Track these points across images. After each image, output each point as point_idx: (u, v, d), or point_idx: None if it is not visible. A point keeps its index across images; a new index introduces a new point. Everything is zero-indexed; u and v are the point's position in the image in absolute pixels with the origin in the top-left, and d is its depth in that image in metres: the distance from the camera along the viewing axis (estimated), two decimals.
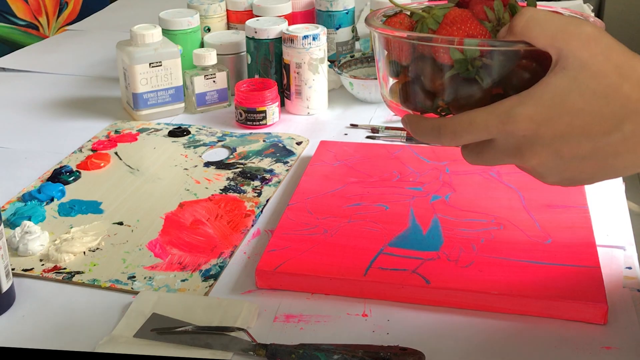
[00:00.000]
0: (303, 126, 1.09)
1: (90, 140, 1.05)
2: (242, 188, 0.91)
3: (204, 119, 1.12)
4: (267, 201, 0.88)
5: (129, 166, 0.98)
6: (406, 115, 0.59)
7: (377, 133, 1.05)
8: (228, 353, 0.64)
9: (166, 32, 1.15)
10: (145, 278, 0.74)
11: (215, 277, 0.74)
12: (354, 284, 0.70)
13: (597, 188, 0.87)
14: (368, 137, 1.04)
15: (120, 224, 0.84)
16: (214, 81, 1.12)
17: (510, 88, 0.55)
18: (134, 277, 0.74)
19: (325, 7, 1.28)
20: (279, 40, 1.11)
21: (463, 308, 0.68)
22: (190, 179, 0.94)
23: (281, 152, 1.00)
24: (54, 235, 0.82)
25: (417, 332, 0.66)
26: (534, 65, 0.55)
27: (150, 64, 1.08)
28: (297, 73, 1.09)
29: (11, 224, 0.84)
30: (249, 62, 1.14)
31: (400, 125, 1.07)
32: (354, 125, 1.08)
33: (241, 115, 1.07)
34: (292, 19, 1.22)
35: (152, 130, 1.08)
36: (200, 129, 1.08)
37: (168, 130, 1.07)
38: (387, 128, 1.05)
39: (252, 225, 0.83)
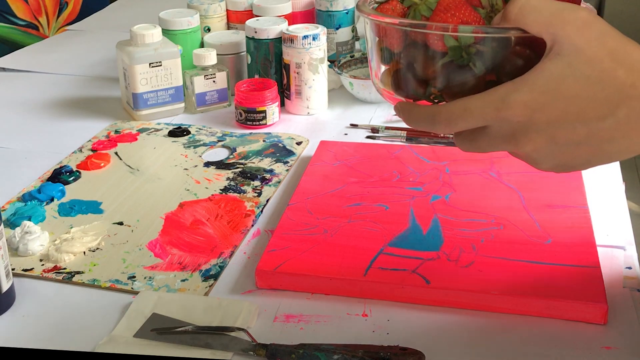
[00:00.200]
0: (303, 126, 1.09)
1: (90, 140, 1.05)
2: (242, 188, 0.91)
3: (204, 119, 1.12)
4: (267, 201, 0.88)
5: (129, 166, 0.98)
6: (399, 103, 0.59)
7: (377, 133, 1.05)
8: (228, 353, 0.64)
9: (166, 32, 1.15)
10: (145, 278, 0.74)
11: (215, 277, 0.74)
12: (354, 284, 0.70)
13: (597, 188, 0.87)
14: (368, 137, 1.04)
15: (120, 224, 0.84)
16: (214, 81, 1.12)
17: (503, 75, 0.55)
18: (134, 277, 0.74)
19: (325, 7, 1.28)
20: (279, 40, 1.11)
21: (463, 308, 0.68)
22: (190, 179, 0.94)
23: (281, 152, 1.00)
24: (54, 235, 0.82)
25: (417, 332, 0.66)
26: (528, 52, 0.55)
27: (150, 64, 1.08)
28: (297, 73, 1.09)
29: (11, 224, 0.84)
30: (249, 62, 1.14)
31: (400, 125, 1.07)
32: (354, 125, 1.08)
33: (241, 115, 1.07)
34: (292, 19, 1.22)
35: (152, 130, 1.08)
36: (200, 129, 1.08)
37: (168, 130, 1.07)
38: (387, 128, 1.05)
39: (252, 225, 0.83)
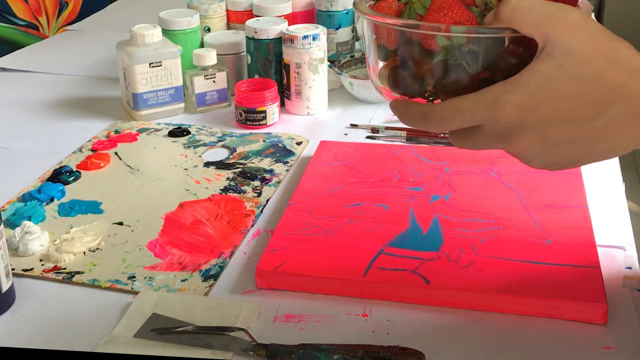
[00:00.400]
0: (303, 126, 1.09)
1: (90, 140, 1.05)
2: (242, 188, 0.91)
3: (204, 119, 1.12)
4: (267, 201, 0.88)
5: (129, 166, 0.98)
6: (394, 100, 0.60)
7: (377, 133, 1.05)
8: (228, 353, 0.64)
9: (166, 32, 1.15)
10: (145, 278, 0.74)
11: (215, 277, 0.74)
12: (354, 284, 0.70)
13: (597, 188, 0.87)
14: (368, 137, 1.04)
15: (120, 224, 0.84)
16: (214, 81, 1.12)
17: (497, 72, 0.55)
18: (134, 277, 0.74)
19: (325, 7, 1.28)
20: (279, 40, 1.11)
21: (463, 308, 0.68)
22: (190, 179, 0.94)
23: (281, 152, 1.00)
24: (54, 235, 0.82)
25: (417, 332, 0.66)
26: (521, 50, 0.55)
27: (150, 64, 1.08)
28: (297, 73, 1.09)
29: (11, 224, 0.84)
30: (249, 62, 1.14)
31: (400, 125, 1.07)
32: (354, 125, 1.08)
33: (241, 115, 1.07)
34: (292, 19, 1.22)
35: (152, 130, 1.08)
36: (200, 129, 1.08)
37: (168, 130, 1.07)
38: (387, 128, 1.05)
39: (252, 225, 0.83)
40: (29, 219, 0.83)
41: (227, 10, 1.25)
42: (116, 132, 1.07)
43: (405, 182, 0.88)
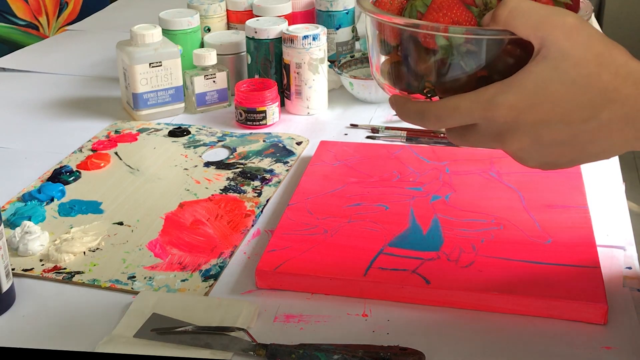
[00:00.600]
0: (303, 126, 1.09)
1: (90, 140, 1.05)
2: (242, 188, 0.91)
3: (204, 119, 1.12)
4: (267, 201, 0.88)
5: (129, 166, 0.98)
6: (393, 96, 0.61)
7: (377, 133, 1.05)
8: (228, 353, 0.64)
9: (166, 32, 1.15)
10: (145, 278, 0.74)
11: (215, 277, 0.74)
12: (354, 284, 0.70)
13: (597, 188, 0.87)
14: (368, 137, 1.04)
15: (120, 224, 0.84)
16: (214, 81, 1.12)
17: (495, 72, 0.56)
18: (134, 277, 0.74)
19: (325, 7, 1.28)
20: (279, 40, 1.11)
21: (463, 308, 0.68)
22: (190, 179, 0.94)
23: (281, 152, 1.00)
24: (54, 235, 0.82)
25: (417, 332, 0.66)
26: (519, 51, 0.56)
27: (150, 64, 1.08)
28: (297, 73, 1.09)
29: (11, 224, 0.84)
30: (249, 62, 1.14)
31: (400, 125, 1.07)
32: (354, 125, 1.08)
33: (241, 115, 1.07)
34: (292, 19, 1.22)
35: (152, 130, 1.08)
36: (200, 129, 1.08)
37: (168, 130, 1.07)
38: (387, 128, 1.05)
39: (252, 225, 0.83)
40: (29, 219, 0.83)
41: (227, 10, 1.25)
42: (116, 132, 1.07)
43: (405, 182, 0.88)
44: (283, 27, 1.11)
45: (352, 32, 1.31)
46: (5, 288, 0.69)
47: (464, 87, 0.56)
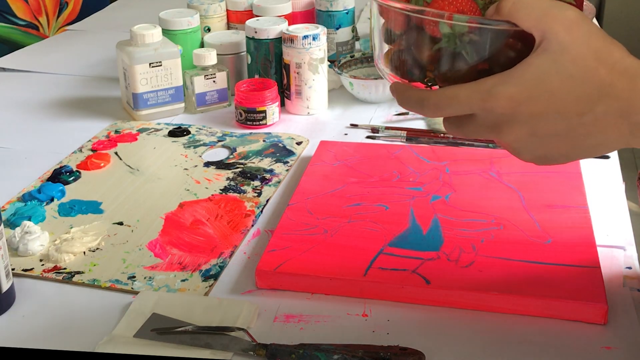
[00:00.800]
0: (303, 126, 1.09)
1: (90, 140, 1.05)
2: (242, 188, 0.91)
3: (204, 119, 1.12)
4: (267, 201, 0.88)
5: (129, 166, 0.98)
6: (394, 83, 0.61)
7: (377, 133, 1.05)
8: (228, 353, 0.64)
9: (166, 32, 1.15)
10: (145, 278, 0.74)
11: (215, 277, 0.74)
12: (354, 284, 0.70)
13: (597, 188, 0.87)
14: (368, 137, 1.04)
15: (120, 224, 0.84)
16: (214, 81, 1.12)
17: (496, 65, 0.57)
18: (134, 277, 0.74)
19: (325, 7, 1.28)
20: (279, 40, 1.11)
21: (463, 308, 0.68)
22: (190, 179, 0.94)
23: (281, 152, 1.00)
24: (54, 235, 0.82)
25: (417, 332, 0.66)
26: (520, 45, 0.56)
27: (150, 64, 1.08)
28: (297, 73, 1.09)
29: (11, 224, 0.84)
30: (249, 62, 1.14)
31: (400, 125, 1.07)
32: (354, 125, 1.08)
33: (241, 115, 1.07)
34: (292, 19, 1.22)
35: (152, 130, 1.08)
36: (200, 129, 1.08)
37: (168, 130, 1.07)
38: (387, 128, 1.05)
39: (252, 225, 0.83)
40: (29, 219, 0.83)
41: (227, 10, 1.25)
42: (116, 132, 1.07)
43: (405, 182, 0.88)
44: (283, 27, 1.11)
45: (352, 32, 1.31)
46: (5, 288, 0.69)
47: (464, 78, 0.56)
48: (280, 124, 1.09)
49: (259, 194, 0.89)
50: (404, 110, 1.11)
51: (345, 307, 0.69)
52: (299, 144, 1.02)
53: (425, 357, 0.62)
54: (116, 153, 1.01)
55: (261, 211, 0.86)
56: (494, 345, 0.64)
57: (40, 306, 0.71)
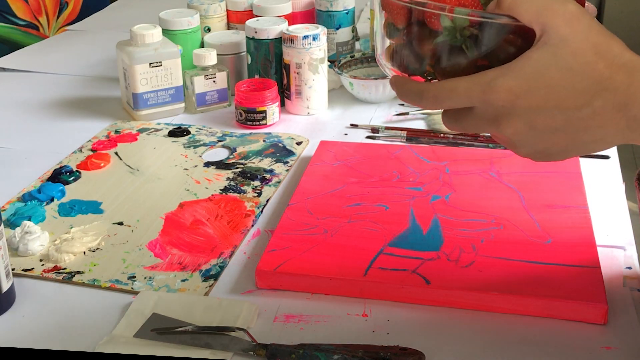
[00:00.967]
0: (303, 126, 1.09)
1: (90, 140, 1.05)
2: (242, 188, 0.91)
3: (204, 119, 1.12)
4: (267, 201, 0.88)
5: (129, 166, 0.98)
6: (394, 76, 0.61)
7: (377, 133, 1.05)
8: (228, 353, 0.64)
9: (166, 32, 1.15)
10: (145, 278, 0.74)
11: (215, 277, 0.74)
12: (354, 284, 0.70)
13: (597, 188, 0.87)
14: (368, 137, 1.04)
15: (120, 224, 0.84)
16: (214, 81, 1.12)
17: (495, 61, 0.57)
18: (134, 277, 0.74)
19: (325, 7, 1.28)
20: (279, 40, 1.11)
21: (463, 308, 0.68)
22: (190, 179, 0.94)
23: (281, 152, 1.00)
24: (54, 235, 0.82)
25: (417, 332, 0.66)
26: (520, 42, 0.57)
27: (150, 64, 1.08)
28: (297, 73, 1.09)
29: (11, 224, 0.84)
30: (249, 62, 1.14)
31: (400, 125, 1.07)
32: (354, 125, 1.08)
33: (241, 115, 1.07)
34: (292, 19, 1.22)
35: (152, 130, 1.08)
36: (200, 129, 1.08)
37: (168, 130, 1.07)
38: (387, 128, 1.05)
39: (252, 225, 0.83)
40: (29, 219, 0.83)
41: (227, 10, 1.25)
42: (116, 132, 1.07)
43: (405, 182, 0.88)
44: (283, 27, 1.11)
45: (352, 32, 1.31)
46: (5, 288, 0.69)
47: (463, 73, 0.56)
48: (280, 124, 1.09)
49: (259, 194, 0.89)
50: (404, 111, 1.11)
51: (345, 307, 0.69)
52: (299, 144, 1.02)
53: (425, 357, 0.62)
54: (116, 153, 1.01)
55: (261, 211, 0.86)
56: (494, 345, 0.64)
57: (40, 306, 0.71)
